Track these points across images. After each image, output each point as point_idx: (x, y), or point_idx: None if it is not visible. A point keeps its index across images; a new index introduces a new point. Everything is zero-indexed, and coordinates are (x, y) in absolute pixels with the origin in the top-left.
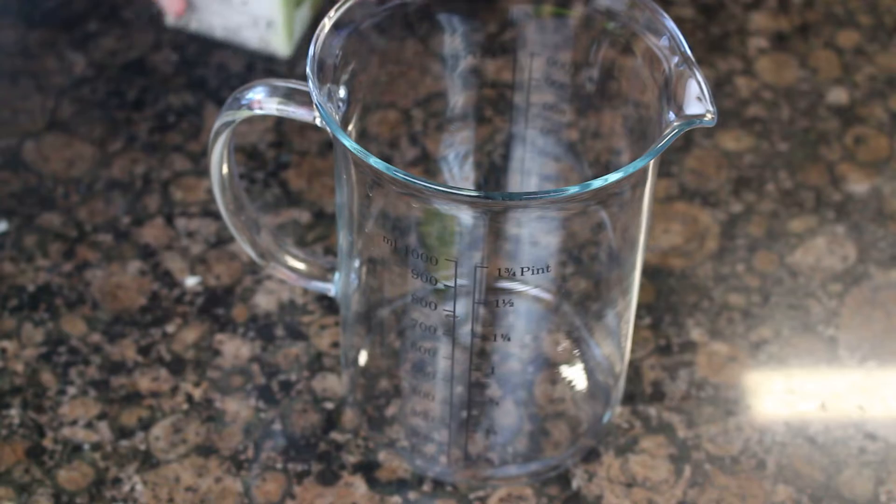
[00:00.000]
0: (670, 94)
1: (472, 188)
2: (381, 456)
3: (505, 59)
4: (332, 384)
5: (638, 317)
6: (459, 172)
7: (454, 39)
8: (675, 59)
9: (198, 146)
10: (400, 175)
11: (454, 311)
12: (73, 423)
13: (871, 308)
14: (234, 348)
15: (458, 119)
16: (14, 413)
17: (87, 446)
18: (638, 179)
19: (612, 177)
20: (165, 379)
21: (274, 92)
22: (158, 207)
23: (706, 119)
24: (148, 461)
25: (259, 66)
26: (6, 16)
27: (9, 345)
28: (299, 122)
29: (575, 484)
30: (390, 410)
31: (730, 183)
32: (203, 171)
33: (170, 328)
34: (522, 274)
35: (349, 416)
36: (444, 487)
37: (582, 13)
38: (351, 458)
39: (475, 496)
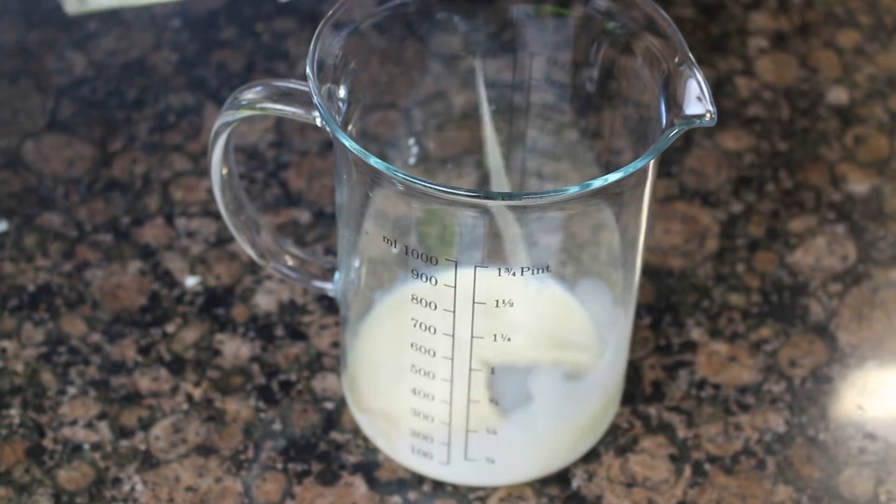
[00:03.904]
0: (670, 94)
1: (472, 188)
2: (381, 456)
3: (505, 59)
4: (332, 384)
5: (638, 317)
6: (459, 172)
7: (454, 39)
8: (675, 59)
9: (198, 146)
10: (400, 175)
11: (454, 311)
12: (73, 423)
13: (871, 308)
14: (234, 348)
15: (458, 119)
16: (14, 413)
17: (87, 446)
18: (638, 179)
19: (612, 177)
20: (165, 379)
21: (274, 92)
22: (158, 207)
23: (706, 119)
24: (148, 461)
25: (259, 66)
26: (6, 16)
27: (9, 345)
28: (299, 122)
29: (575, 484)
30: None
31: (730, 183)
32: (203, 171)
33: (170, 328)
34: (522, 274)
35: (349, 416)
36: (444, 487)
37: (582, 13)
38: (351, 458)
39: (475, 496)
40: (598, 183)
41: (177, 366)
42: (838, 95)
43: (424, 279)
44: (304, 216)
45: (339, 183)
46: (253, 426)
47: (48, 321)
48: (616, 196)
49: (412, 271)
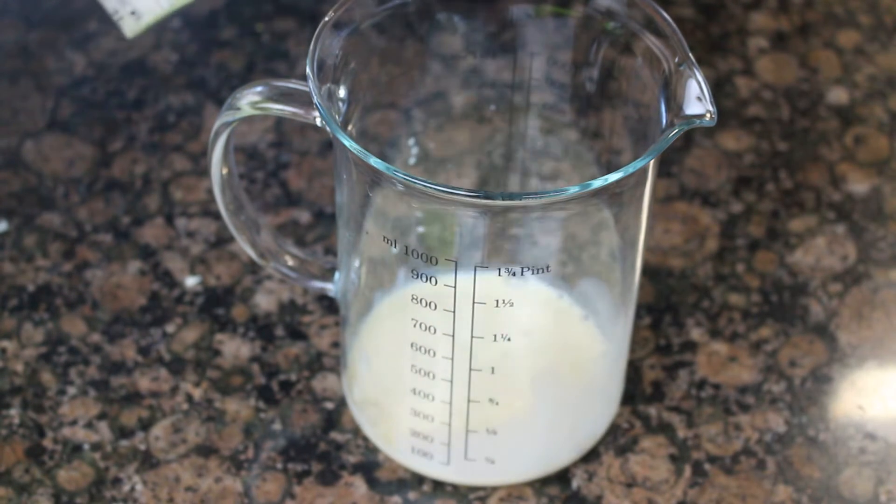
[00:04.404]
0: (670, 94)
1: (472, 188)
2: (381, 456)
3: (505, 59)
4: (332, 384)
5: (638, 317)
6: (459, 172)
7: (454, 39)
8: (675, 59)
9: (198, 146)
10: (400, 175)
11: (454, 311)
12: (73, 423)
13: (871, 308)
14: (234, 348)
15: (458, 119)
16: (14, 413)
17: (87, 446)
18: (638, 179)
19: (612, 177)
20: (165, 379)
21: (274, 92)
22: (158, 207)
23: (706, 119)
24: (148, 461)
25: (259, 66)
26: (6, 16)
27: (9, 345)
28: (299, 122)
29: (575, 484)
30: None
31: (730, 183)
32: (203, 171)
33: (170, 328)
34: (522, 274)
35: (349, 416)
36: (444, 487)
37: (582, 13)
38: (351, 458)
39: (475, 496)
40: (598, 183)
41: (177, 366)
42: (838, 95)
43: (424, 279)
44: (304, 216)
45: (339, 183)
46: (253, 426)
47: (48, 321)
48: (616, 196)
49: (412, 271)
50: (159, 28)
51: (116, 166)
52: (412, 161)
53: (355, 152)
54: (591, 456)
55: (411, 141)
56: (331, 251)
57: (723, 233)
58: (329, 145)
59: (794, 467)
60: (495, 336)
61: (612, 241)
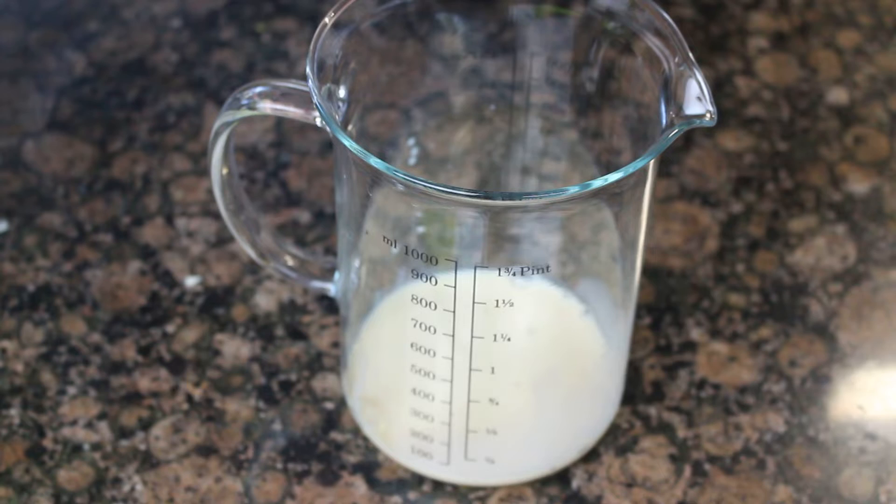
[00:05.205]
0: (670, 94)
1: (472, 188)
2: (381, 456)
3: (505, 59)
4: (332, 384)
5: (638, 317)
6: (459, 172)
7: (454, 39)
8: (675, 59)
9: (198, 146)
10: (400, 175)
11: (454, 311)
12: (73, 423)
13: (871, 308)
14: (234, 348)
15: (458, 119)
16: (14, 413)
17: (87, 446)
18: (638, 179)
19: (612, 177)
20: (165, 379)
21: (274, 92)
22: (158, 207)
23: (706, 119)
24: (148, 461)
25: (259, 66)
26: (6, 16)
27: (9, 345)
28: (299, 122)
29: (575, 484)
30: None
31: (730, 183)
32: (203, 171)
33: (170, 328)
34: (522, 274)
35: (349, 416)
36: (444, 487)
37: (582, 13)
38: (351, 458)
39: (475, 496)
40: (598, 183)
41: (177, 366)
42: (838, 95)
43: (424, 279)
44: (304, 216)
45: (339, 183)
46: (253, 426)
47: (48, 321)
48: (616, 196)
49: (412, 271)
50: (159, 28)
51: (116, 166)
52: (412, 161)
53: (355, 152)
54: (591, 456)
55: (411, 141)
56: (331, 251)
57: (723, 233)
58: (329, 145)
59: (794, 467)
60: (495, 336)
61: (612, 241)
